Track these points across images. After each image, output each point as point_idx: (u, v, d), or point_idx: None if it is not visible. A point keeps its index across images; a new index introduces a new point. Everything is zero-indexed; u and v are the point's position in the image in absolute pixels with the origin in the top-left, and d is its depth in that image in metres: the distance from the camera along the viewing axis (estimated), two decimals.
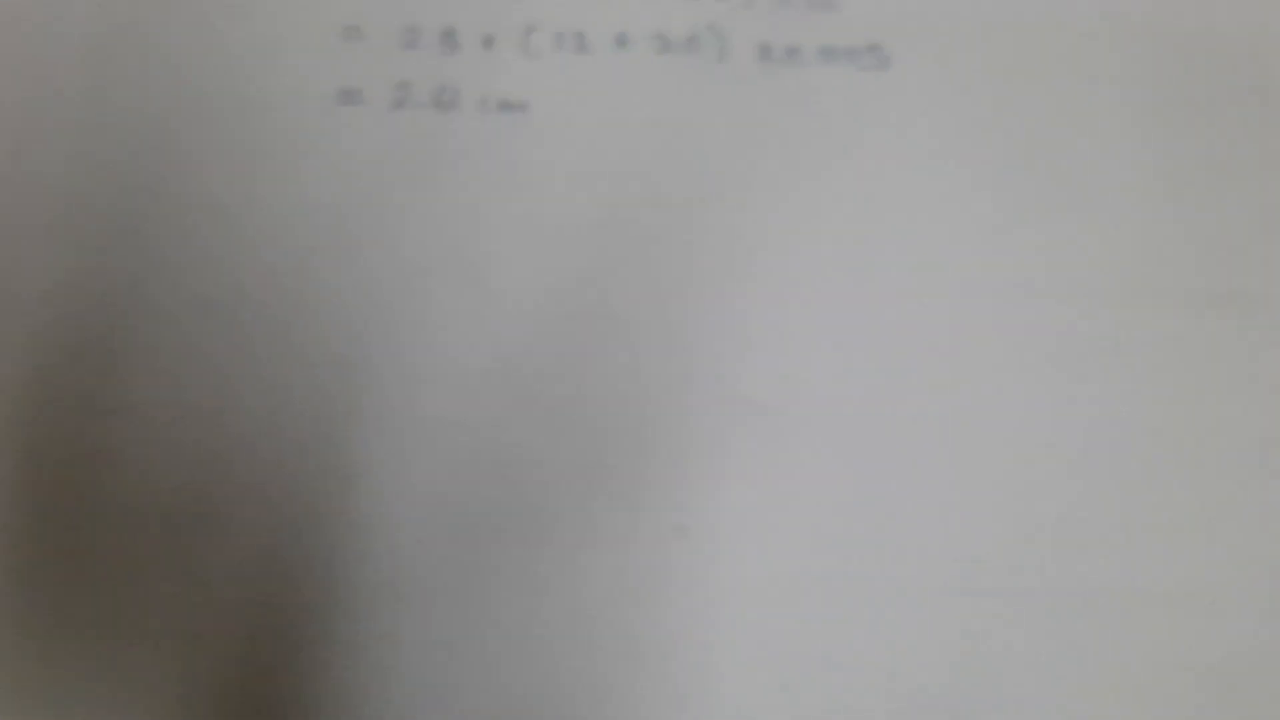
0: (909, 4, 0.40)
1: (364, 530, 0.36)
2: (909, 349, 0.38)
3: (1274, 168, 0.39)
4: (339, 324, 0.37)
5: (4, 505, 0.36)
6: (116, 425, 0.37)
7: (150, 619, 0.36)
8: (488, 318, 0.37)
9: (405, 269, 0.38)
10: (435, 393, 0.37)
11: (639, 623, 0.36)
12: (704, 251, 0.38)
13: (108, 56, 0.39)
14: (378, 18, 0.39)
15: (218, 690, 0.35)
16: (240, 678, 0.36)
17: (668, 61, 0.39)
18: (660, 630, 0.36)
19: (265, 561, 0.36)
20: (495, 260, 0.38)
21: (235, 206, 0.38)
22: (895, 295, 0.38)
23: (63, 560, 0.36)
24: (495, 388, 0.38)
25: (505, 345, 0.38)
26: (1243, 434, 0.38)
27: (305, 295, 0.37)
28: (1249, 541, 0.37)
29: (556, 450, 0.37)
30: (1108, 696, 0.36)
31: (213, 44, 0.39)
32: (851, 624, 0.37)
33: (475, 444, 0.37)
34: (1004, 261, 0.39)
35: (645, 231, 0.38)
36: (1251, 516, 0.37)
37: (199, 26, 0.39)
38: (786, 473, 0.37)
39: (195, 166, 0.38)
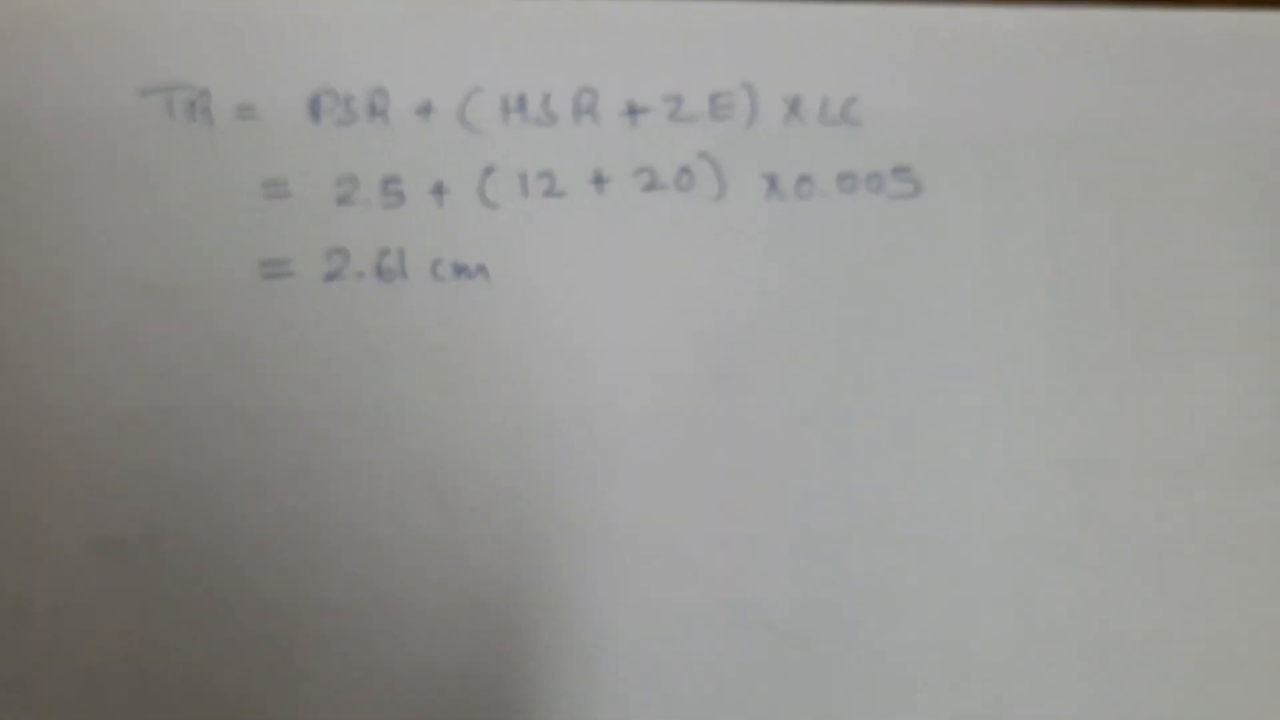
0: (939, 113, 0.33)
1: None
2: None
3: None
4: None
5: None
6: None
7: None
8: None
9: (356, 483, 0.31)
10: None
11: None
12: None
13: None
14: (304, 168, 0.32)
15: None
16: None
17: (655, 200, 0.33)
18: None
19: None
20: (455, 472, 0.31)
21: (143, 411, 0.31)
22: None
23: None
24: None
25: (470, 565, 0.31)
26: None
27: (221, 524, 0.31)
28: None
29: None
30: None
31: (111, 214, 0.32)
32: None
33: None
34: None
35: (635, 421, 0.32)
36: None
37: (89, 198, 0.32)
38: None
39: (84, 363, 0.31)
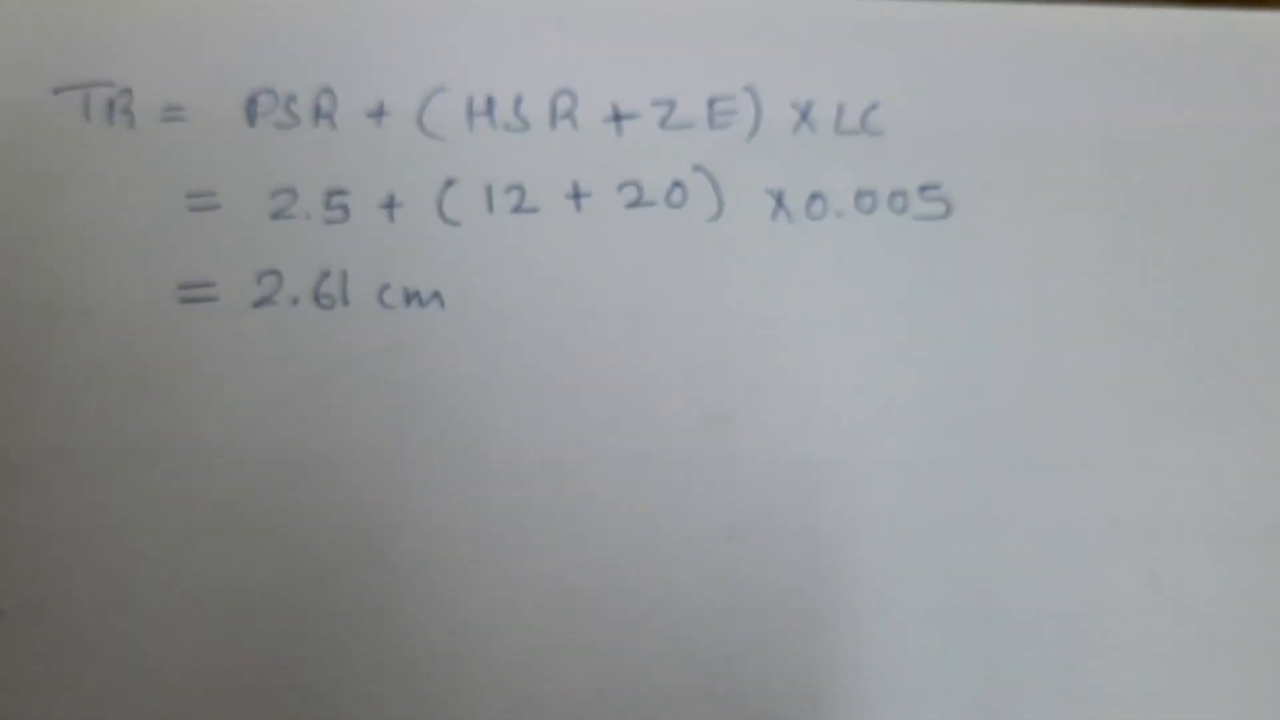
0: (972, 122, 0.30)
1: None
2: None
3: None
4: None
5: None
6: None
7: None
8: None
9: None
10: None
11: None
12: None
13: None
14: (236, 178, 0.29)
15: None
16: None
17: (642, 219, 0.30)
18: None
19: None
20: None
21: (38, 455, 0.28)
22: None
23: None
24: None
25: None
26: None
27: None
28: None
29: None
30: None
31: (14, 225, 0.29)
32: None
33: None
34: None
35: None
36: None
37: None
38: None
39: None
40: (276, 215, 0.29)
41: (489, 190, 0.29)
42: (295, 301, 0.29)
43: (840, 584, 0.28)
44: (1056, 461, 0.29)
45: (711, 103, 0.30)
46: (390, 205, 0.29)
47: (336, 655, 0.28)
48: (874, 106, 0.30)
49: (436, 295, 0.29)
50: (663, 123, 0.30)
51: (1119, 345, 0.29)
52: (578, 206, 0.30)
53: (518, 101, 0.30)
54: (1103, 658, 0.28)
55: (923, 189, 0.30)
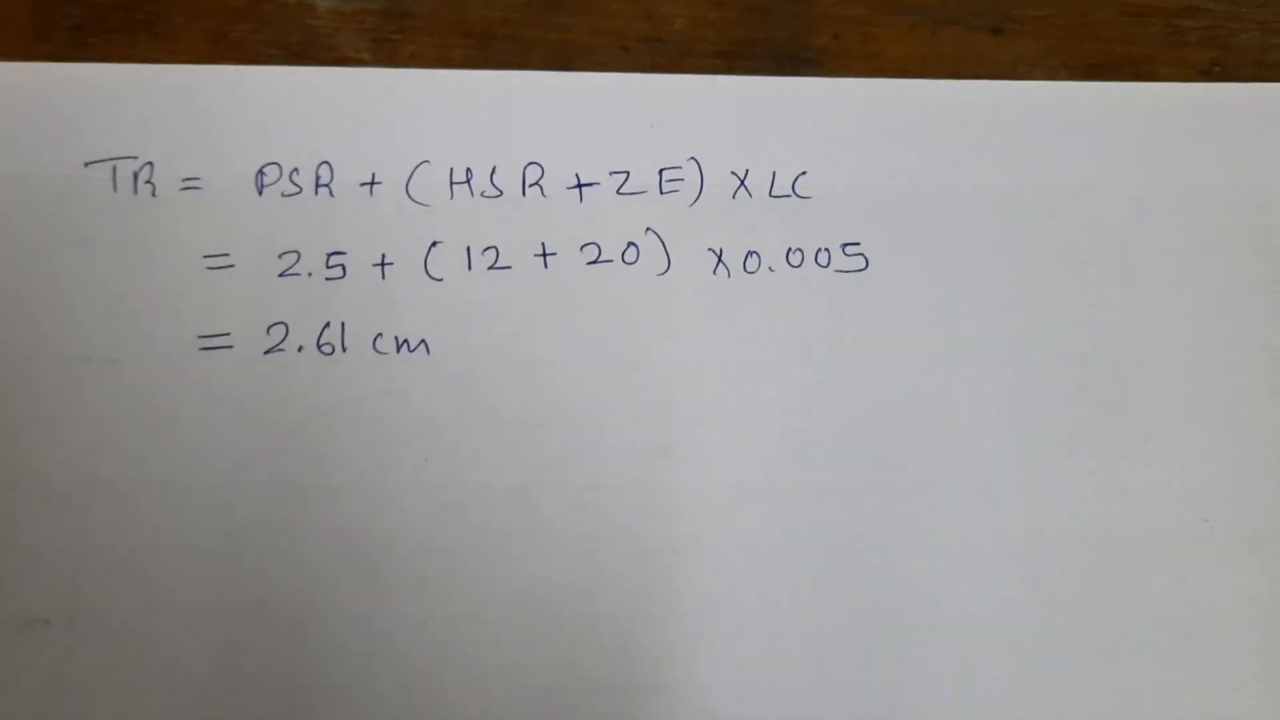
0: (888, 186, 0.33)
1: None
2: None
3: None
4: None
5: None
6: None
7: None
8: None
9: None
10: None
11: None
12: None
13: None
14: (247, 241, 0.32)
15: None
16: None
17: (601, 274, 0.32)
18: None
19: None
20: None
21: (74, 485, 0.31)
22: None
23: None
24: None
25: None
26: None
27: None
28: None
29: None
30: None
31: (51, 283, 0.31)
32: None
33: None
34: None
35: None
36: None
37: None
38: None
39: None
40: (283, 273, 0.31)
41: (468, 250, 0.32)
42: (300, 349, 0.31)
43: (767, 593, 0.31)
44: (953, 485, 0.31)
45: (661, 172, 0.33)
46: (382, 264, 0.32)
47: (333, 656, 0.30)
48: (803, 174, 0.33)
49: (423, 343, 0.31)
50: (619, 190, 0.32)
51: (1009, 382, 0.32)
52: (545, 264, 0.32)
53: (493, 172, 0.32)
54: (989, 656, 0.30)
55: (844, 246, 0.32)
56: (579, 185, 0.33)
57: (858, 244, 0.33)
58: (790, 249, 0.33)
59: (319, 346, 0.31)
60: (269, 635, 0.30)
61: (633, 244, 0.33)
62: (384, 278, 0.32)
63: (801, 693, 0.30)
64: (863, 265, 0.33)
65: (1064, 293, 0.33)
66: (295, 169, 0.32)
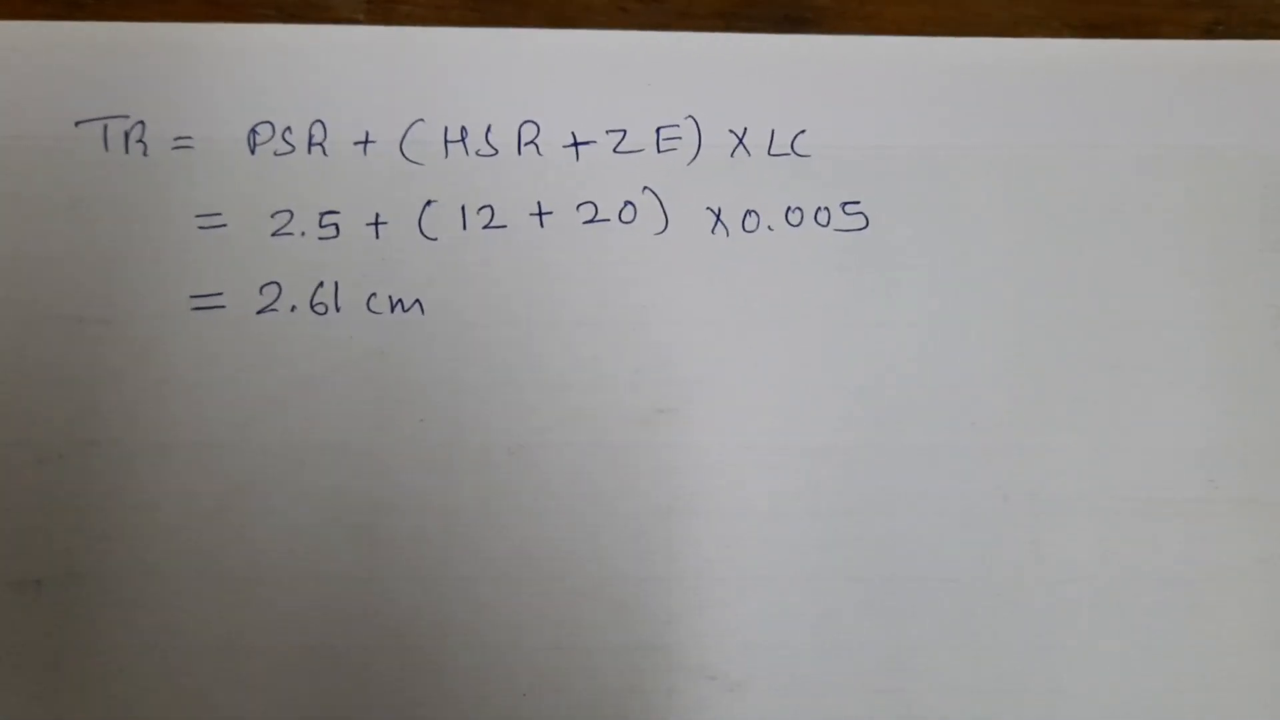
0: (888, 145, 0.33)
1: None
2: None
3: None
4: None
5: None
6: None
7: None
8: None
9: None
10: None
11: None
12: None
13: None
14: (240, 200, 0.31)
15: None
16: None
17: (597, 233, 0.32)
18: None
19: None
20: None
21: (69, 446, 0.30)
22: None
23: None
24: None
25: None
26: None
27: None
28: None
29: None
30: None
31: (42, 244, 0.31)
32: None
33: None
34: None
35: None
36: None
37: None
38: None
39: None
40: (276, 233, 0.31)
41: (463, 210, 0.32)
42: (293, 309, 0.31)
43: (769, 553, 0.30)
44: (956, 445, 0.31)
45: (658, 131, 0.32)
46: (376, 223, 0.31)
47: (330, 616, 0.30)
48: (801, 132, 0.32)
49: (417, 302, 0.31)
50: (615, 149, 0.32)
51: (1013, 342, 0.32)
52: (541, 223, 0.32)
53: (488, 131, 0.32)
54: (993, 615, 0.30)
55: (844, 205, 0.32)
56: (575, 144, 0.32)
57: (858, 203, 0.33)
58: (789, 208, 0.32)
59: (312, 306, 0.31)
60: (266, 593, 0.30)
61: (630, 203, 0.32)
62: (378, 237, 0.32)
63: (802, 652, 0.30)
64: (863, 224, 0.32)
65: (1066, 251, 0.32)
66: (288, 128, 0.32)
